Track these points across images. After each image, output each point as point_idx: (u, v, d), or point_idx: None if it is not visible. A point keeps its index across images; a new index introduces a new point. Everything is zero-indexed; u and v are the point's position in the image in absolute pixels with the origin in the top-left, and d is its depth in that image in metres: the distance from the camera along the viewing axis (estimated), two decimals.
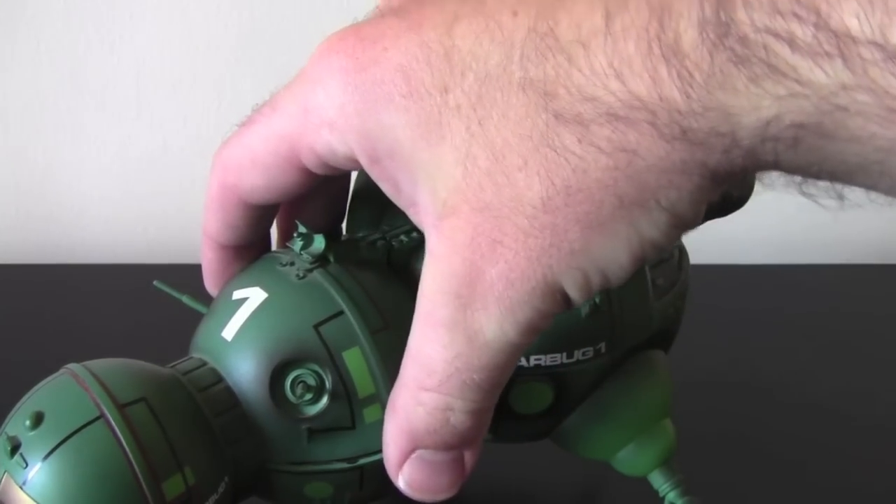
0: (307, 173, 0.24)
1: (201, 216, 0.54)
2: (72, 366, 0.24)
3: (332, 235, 0.26)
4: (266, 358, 0.24)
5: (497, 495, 0.32)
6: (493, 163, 0.21)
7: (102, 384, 0.23)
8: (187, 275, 0.30)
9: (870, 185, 0.20)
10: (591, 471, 0.25)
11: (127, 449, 0.22)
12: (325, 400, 0.24)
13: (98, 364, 0.24)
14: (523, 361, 0.27)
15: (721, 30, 0.19)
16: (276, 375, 0.24)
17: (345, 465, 0.25)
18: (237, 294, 0.26)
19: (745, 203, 0.28)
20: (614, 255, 0.21)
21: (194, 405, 0.24)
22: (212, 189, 0.27)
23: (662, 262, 0.30)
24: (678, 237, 0.22)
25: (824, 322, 0.48)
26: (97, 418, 0.22)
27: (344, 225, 0.29)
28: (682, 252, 0.31)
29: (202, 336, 0.26)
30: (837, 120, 0.18)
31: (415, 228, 0.24)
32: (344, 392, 0.24)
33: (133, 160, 0.55)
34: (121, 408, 0.23)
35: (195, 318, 0.27)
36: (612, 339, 0.28)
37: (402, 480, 0.24)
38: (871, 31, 0.17)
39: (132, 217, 0.56)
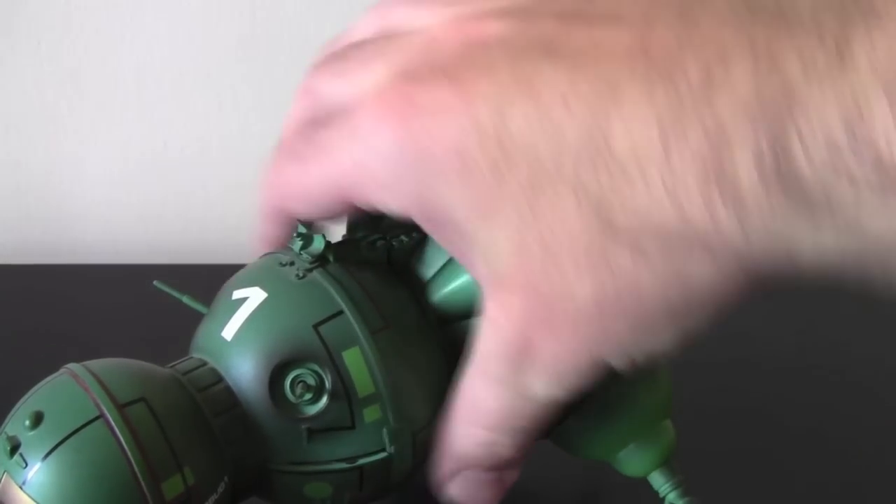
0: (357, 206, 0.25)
1: (201, 217, 0.54)
2: (71, 366, 0.24)
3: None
4: (265, 358, 0.24)
5: None
6: (545, 254, 0.22)
7: (102, 384, 0.23)
8: (187, 275, 0.31)
9: None
10: (591, 471, 0.25)
11: (126, 449, 0.22)
12: (324, 400, 0.24)
13: (97, 364, 0.24)
14: None
15: (777, 164, 0.19)
16: (276, 375, 0.24)
17: (344, 466, 0.25)
18: (237, 294, 0.26)
19: None
20: (661, 347, 0.22)
21: (194, 405, 0.24)
22: (265, 208, 0.27)
23: None
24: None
25: (828, 321, 0.48)
26: (97, 418, 0.22)
27: (344, 225, 0.29)
28: None
29: (202, 336, 0.26)
30: None
31: (415, 228, 0.24)
32: (343, 392, 0.24)
33: (134, 161, 0.55)
34: (120, 408, 0.23)
35: (195, 319, 0.27)
36: None
37: (450, 496, 0.26)
38: None
39: (133, 218, 0.56)
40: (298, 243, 0.26)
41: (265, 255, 0.27)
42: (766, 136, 0.19)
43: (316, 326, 0.24)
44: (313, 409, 0.24)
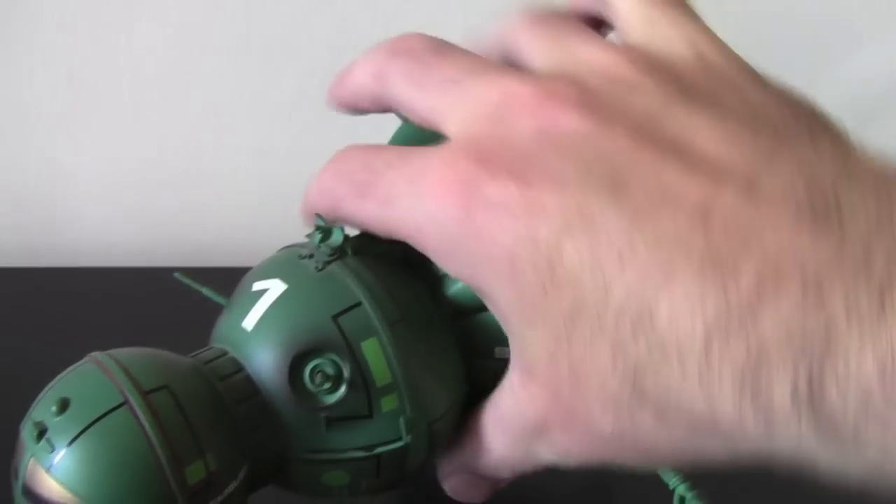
0: None
1: (197, 218, 0.54)
2: (96, 354, 0.24)
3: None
4: (285, 348, 0.25)
5: (498, 494, 0.32)
6: (574, 380, 0.23)
7: (126, 371, 0.23)
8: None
9: None
10: (592, 470, 0.25)
11: (150, 434, 0.23)
12: (342, 389, 0.25)
13: (121, 352, 0.24)
14: None
15: (811, 397, 0.19)
16: (295, 365, 0.25)
17: (362, 454, 0.25)
18: (257, 286, 0.26)
19: None
20: (672, 465, 0.25)
21: (215, 393, 0.25)
22: (312, 209, 0.27)
23: None
24: None
25: None
26: (122, 404, 0.23)
27: None
28: None
29: (222, 326, 0.26)
30: None
31: None
32: (362, 381, 0.25)
33: (129, 163, 0.55)
34: (145, 395, 0.23)
35: (195, 320, 0.27)
36: None
37: (447, 486, 0.29)
38: None
39: (128, 220, 0.56)
40: (318, 236, 0.26)
41: (284, 247, 0.28)
42: (805, 370, 0.19)
43: (335, 317, 0.25)
44: (332, 399, 0.25)
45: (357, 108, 0.28)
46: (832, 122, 0.23)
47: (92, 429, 0.22)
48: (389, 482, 0.26)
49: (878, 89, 0.52)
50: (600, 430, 0.23)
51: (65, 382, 0.24)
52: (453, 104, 0.25)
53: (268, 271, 0.26)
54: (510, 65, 0.27)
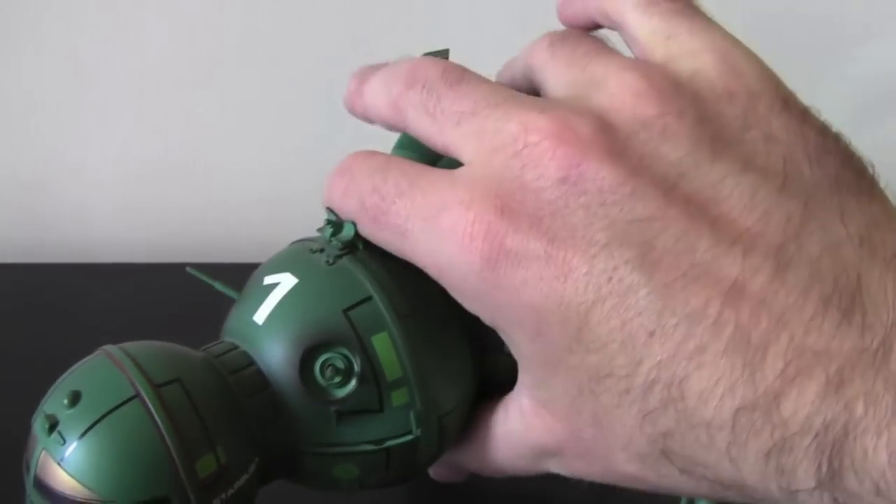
0: None
1: (202, 216, 0.54)
2: (107, 347, 0.24)
3: None
4: (296, 341, 0.25)
5: (499, 493, 0.32)
6: (598, 426, 0.23)
7: (138, 364, 0.23)
8: (188, 274, 0.31)
9: None
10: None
11: (161, 427, 0.23)
12: (353, 383, 0.25)
13: (133, 346, 0.25)
14: None
15: (832, 479, 0.20)
16: (306, 359, 0.25)
17: (372, 448, 0.25)
18: (268, 279, 0.26)
19: None
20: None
21: (226, 387, 0.25)
22: (328, 201, 0.27)
23: None
24: None
25: None
26: (133, 397, 0.23)
27: None
28: None
29: (233, 320, 0.26)
30: None
31: None
32: (372, 375, 0.25)
33: (135, 160, 0.55)
34: (156, 388, 0.23)
35: (205, 315, 0.27)
36: None
37: (433, 471, 0.30)
38: None
39: (134, 217, 0.56)
40: (329, 230, 0.26)
41: (295, 241, 0.28)
42: (826, 458, 0.20)
43: (345, 311, 0.25)
44: (342, 392, 0.25)
45: (370, 123, 0.28)
46: (857, 159, 0.23)
47: (103, 422, 0.22)
48: (399, 476, 0.26)
49: (879, 89, 0.52)
50: (622, 470, 0.23)
51: (76, 375, 0.24)
52: (469, 137, 0.24)
53: (279, 265, 0.26)
54: (533, 89, 0.27)
